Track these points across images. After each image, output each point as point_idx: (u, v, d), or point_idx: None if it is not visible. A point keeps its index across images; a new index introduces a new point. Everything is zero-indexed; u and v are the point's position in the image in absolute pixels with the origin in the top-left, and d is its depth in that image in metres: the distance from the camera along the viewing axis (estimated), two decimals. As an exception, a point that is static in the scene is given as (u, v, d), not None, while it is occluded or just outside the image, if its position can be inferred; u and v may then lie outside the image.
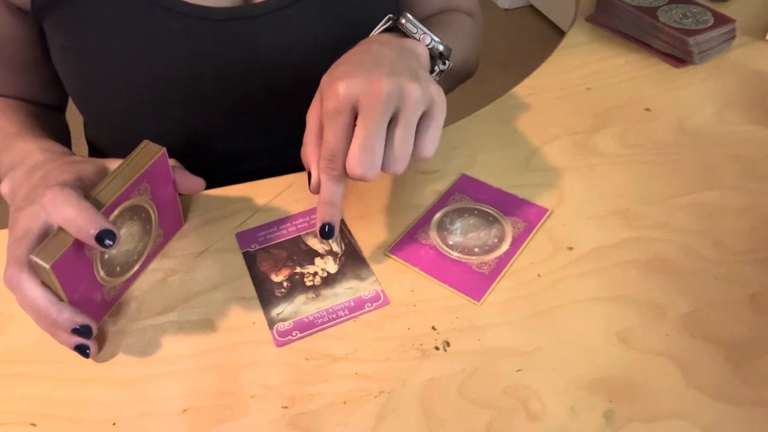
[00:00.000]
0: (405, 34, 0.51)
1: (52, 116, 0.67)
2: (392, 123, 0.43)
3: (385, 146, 0.42)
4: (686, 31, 0.72)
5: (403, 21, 0.50)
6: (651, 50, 0.75)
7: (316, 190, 0.47)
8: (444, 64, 0.52)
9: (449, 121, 0.64)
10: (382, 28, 0.52)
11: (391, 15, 0.51)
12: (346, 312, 0.46)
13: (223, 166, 0.64)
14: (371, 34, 0.52)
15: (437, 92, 0.44)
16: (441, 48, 0.51)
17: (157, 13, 0.53)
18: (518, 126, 0.64)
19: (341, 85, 0.42)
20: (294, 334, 0.45)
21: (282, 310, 0.47)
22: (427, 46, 0.50)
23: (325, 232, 0.45)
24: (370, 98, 0.42)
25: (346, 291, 0.48)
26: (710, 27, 0.73)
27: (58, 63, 0.58)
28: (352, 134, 0.42)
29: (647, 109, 0.66)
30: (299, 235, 0.52)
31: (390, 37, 0.49)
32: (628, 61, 0.74)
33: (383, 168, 0.43)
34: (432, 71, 0.52)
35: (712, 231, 0.53)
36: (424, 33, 0.50)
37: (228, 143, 0.63)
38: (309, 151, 0.46)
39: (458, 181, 0.57)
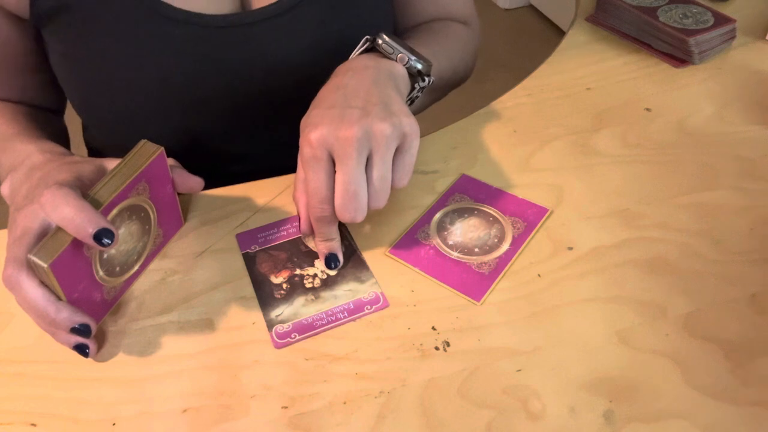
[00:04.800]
0: (383, 54, 0.52)
1: (51, 119, 0.67)
2: (369, 162, 0.45)
3: (368, 184, 0.45)
4: (686, 31, 0.72)
5: (380, 42, 0.52)
6: (651, 50, 0.75)
7: (307, 231, 0.50)
8: (423, 80, 0.53)
9: (449, 121, 0.64)
10: (360, 50, 0.53)
11: (368, 37, 0.53)
12: (346, 314, 0.46)
13: (223, 166, 0.64)
14: (351, 57, 0.53)
15: (408, 124, 0.46)
16: (419, 66, 0.52)
17: (156, 20, 0.53)
18: (518, 126, 0.64)
19: (314, 134, 0.44)
20: (293, 336, 0.45)
21: (281, 311, 0.47)
22: (405, 65, 0.51)
23: (331, 263, 0.49)
24: (343, 146, 0.44)
25: (346, 293, 0.48)
26: (710, 27, 0.73)
27: (57, 69, 0.58)
28: (334, 176, 0.45)
29: (647, 109, 0.66)
30: (299, 237, 0.52)
31: (368, 61, 0.51)
32: (628, 61, 0.74)
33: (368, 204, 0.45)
34: (413, 88, 0.54)
35: (712, 231, 0.53)
36: (401, 53, 0.51)
37: (228, 145, 0.63)
38: (299, 196, 0.49)
39: (458, 181, 0.57)
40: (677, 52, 0.73)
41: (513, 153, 0.60)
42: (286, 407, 0.41)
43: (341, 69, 0.51)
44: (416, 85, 0.53)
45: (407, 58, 0.52)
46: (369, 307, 0.47)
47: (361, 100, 0.46)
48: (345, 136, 0.44)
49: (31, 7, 0.52)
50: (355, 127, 0.44)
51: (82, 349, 0.42)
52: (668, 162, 0.60)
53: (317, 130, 0.44)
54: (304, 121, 0.47)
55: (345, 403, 0.41)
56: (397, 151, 0.46)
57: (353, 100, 0.46)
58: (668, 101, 0.67)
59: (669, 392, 0.42)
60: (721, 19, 0.74)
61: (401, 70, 0.52)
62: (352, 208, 0.45)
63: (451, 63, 0.65)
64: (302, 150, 0.45)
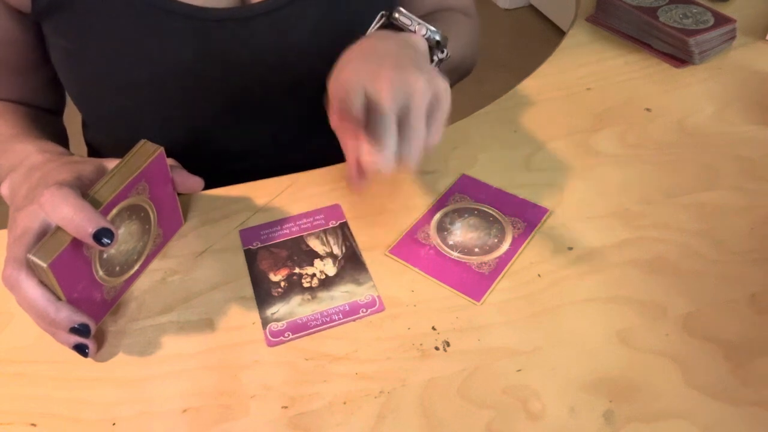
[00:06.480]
0: (400, 28, 0.51)
1: (50, 120, 0.67)
2: (403, 116, 0.43)
3: (400, 140, 0.43)
4: (686, 31, 0.72)
5: (397, 15, 0.51)
6: (651, 50, 0.75)
7: (354, 177, 0.46)
8: (442, 52, 0.52)
9: (449, 120, 0.64)
10: (377, 26, 0.52)
11: (383, 12, 0.52)
12: (340, 316, 0.46)
13: (223, 165, 0.64)
14: (367, 33, 0.52)
15: (441, 81, 0.44)
16: (437, 37, 0.51)
17: (156, 14, 0.53)
18: (518, 126, 0.64)
19: (350, 82, 0.42)
20: (286, 335, 0.45)
21: (277, 309, 0.47)
22: (424, 36, 0.50)
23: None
24: (378, 93, 0.42)
25: (343, 294, 0.48)
26: (710, 27, 0.73)
27: (58, 65, 0.58)
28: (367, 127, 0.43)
29: (647, 109, 0.66)
30: (301, 236, 0.52)
31: (387, 33, 0.50)
32: (628, 61, 0.74)
33: (399, 161, 0.43)
34: (431, 61, 0.52)
35: (712, 231, 0.53)
36: (419, 24, 0.50)
37: (228, 142, 0.63)
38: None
39: (458, 181, 0.57)
40: (677, 52, 0.73)
41: (513, 153, 0.60)
42: (286, 407, 0.41)
43: (363, 39, 0.49)
44: (435, 57, 0.53)
45: (426, 29, 0.51)
46: (364, 310, 0.47)
47: (392, 59, 0.45)
48: (383, 82, 0.42)
49: (32, 2, 0.52)
50: (393, 73, 0.42)
51: (81, 349, 0.42)
52: (668, 162, 0.60)
53: (353, 78, 0.43)
54: (336, 75, 0.45)
55: (345, 403, 0.41)
56: (429, 108, 0.44)
57: (385, 58, 0.45)
58: (668, 101, 0.67)
59: (669, 392, 0.42)
60: (721, 19, 0.74)
61: (422, 42, 0.51)
62: (378, 160, 0.42)
63: (460, 49, 0.65)
64: (334, 100, 0.44)
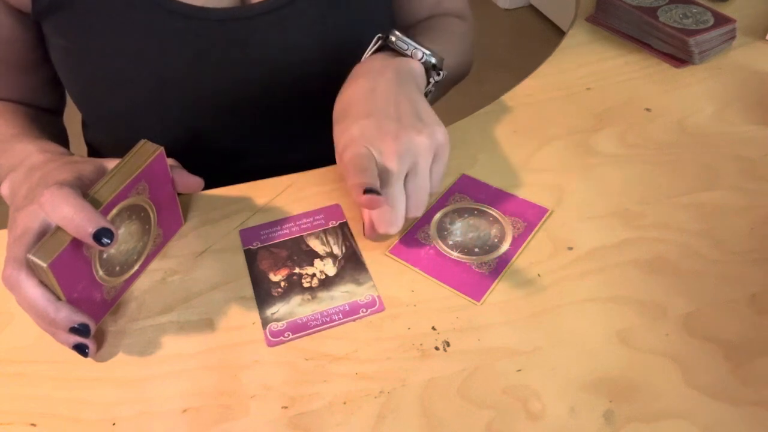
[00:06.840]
0: (397, 51, 0.52)
1: (50, 119, 0.67)
2: (408, 174, 0.46)
3: (406, 196, 0.46)
4: (686, 31, 0.72)
5: (393, 39, 0.52)
6: (651, 50, 0.75)
7: (371, 235, 0.49)
8: (438, 74, 0.53)
9: (449, 121, 0.64)
10: (373, 49, 0.53)
11: (380, 35, 0.53)
12: (340, 316, 0.46)
13: (223, 164, 0.64)
14: (363, 57, 0.53)
15: (441, 132, 0.47)
16: (433, 60, 0.52)
17: (157, 14, 0.53)
18: (518, 126, 0.64)
19: (359, 148, 0.45)
20: (286, 335, 0.45)
21: (277, 309, 0.47)
22: (420, 60, 0.52)
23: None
24: (386, 162, 0.45)
25: (343, 294, 0.48)
26: (710, 27, 0.73)
27: (59, 64, 0.58)
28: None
29: (647, 109, 0.66)
30: (301, 236, 0.52)
31: (385, 60, 0.51)
32: (628, 61, 0.74)
33: (406, 214, 0.46)
34: (427, 83, 0.54)
35: (712, 231, 0.53)
36: (415, 48, 0.52)
37: (229, 141, 0.64)
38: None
39: (458, 181, 0.57)
40: (677, 52, 0.73)
41: (513, 153, 0.60)
42: (286, 407, 0.41)
43: (361, 70, 0.51)
44: (431, 80, 0.54)
45: (421, 54, 0.52)
46: (364, 310, 0.47)
47: (393, 108, 0.47)
48: (390, 153, 0.45)
49: (32, 2, 0.52)
50: (399, 144, 0.45)
51: (81, 349, 0.42)
52: (668, 162, 0.60)
53: (360, 143, 0.45)
54: (342, 132, 0.47)
55: (345, 403, 0.41)
56: (431, 162, 0.47)
57: (387, 108, 0.47)
58: (668, 101, 0.67)
59: (669, 392, 0.42)
60: (721, 19, 0.74)
61: (418, 67, 0.52)
62: (388, 222, 0.45)
63: (455, 58, 0.66)
64: (343, 149, 0.46)
